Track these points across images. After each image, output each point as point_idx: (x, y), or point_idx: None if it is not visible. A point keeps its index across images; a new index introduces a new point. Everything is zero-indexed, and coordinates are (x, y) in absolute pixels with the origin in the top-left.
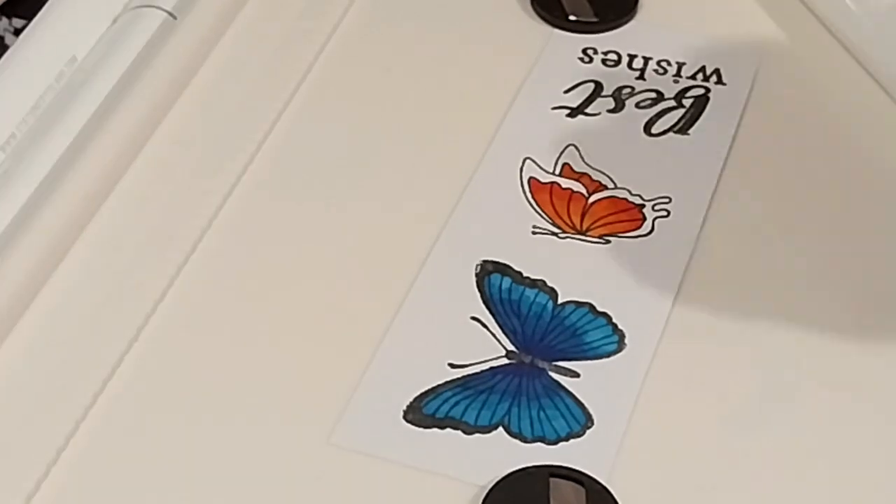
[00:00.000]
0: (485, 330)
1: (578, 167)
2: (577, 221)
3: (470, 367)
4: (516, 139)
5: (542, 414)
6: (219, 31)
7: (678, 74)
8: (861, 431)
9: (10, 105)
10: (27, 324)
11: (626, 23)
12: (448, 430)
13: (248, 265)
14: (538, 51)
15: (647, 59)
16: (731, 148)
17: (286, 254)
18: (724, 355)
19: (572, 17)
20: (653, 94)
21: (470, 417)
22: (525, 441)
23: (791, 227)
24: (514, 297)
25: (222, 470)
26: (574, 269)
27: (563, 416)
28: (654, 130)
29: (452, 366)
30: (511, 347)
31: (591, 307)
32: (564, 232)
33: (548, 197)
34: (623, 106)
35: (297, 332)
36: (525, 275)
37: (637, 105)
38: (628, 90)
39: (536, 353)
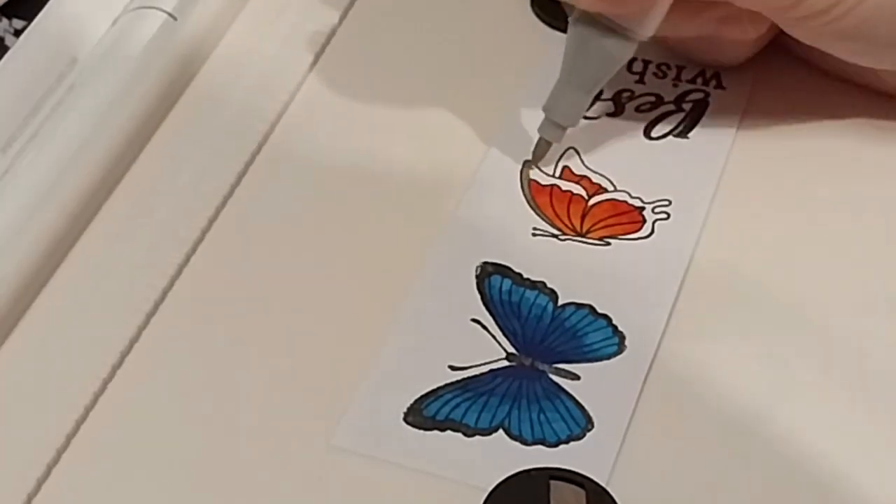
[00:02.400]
0: (485, 332)
1: (578, 170)
2: (577, 223)
3: (470, 370)
4: (516, 142)
5: (542, 416)
6: (219, 31)
7: (678, 78)
8: (863, 433)
9: (11, 106)
10: (27, 324)
11: None
12: (448, 432)
13: (248, 266)
14: (538, 54)
15: (646, 63)
16: (730, 151)
17: (286, 255)
18: (724, 357)
19: None
20: (652, 98)
21: (470, 420)
22: (525, 443)
23: (791, 230)
24: (515, 298)
25: (223, 472)
26: (574, 271)
27: (563, 418)
28: (653, 134)
29: (453, 368)
30: (511, 350)
31: (592, 309)
32: (564, 234)
33: (548, 199)
34: (623, 109)
35: (297, 334)
36: (525, 276)
37: (637, 109)
38: (628, 94)
39: (536, 355)
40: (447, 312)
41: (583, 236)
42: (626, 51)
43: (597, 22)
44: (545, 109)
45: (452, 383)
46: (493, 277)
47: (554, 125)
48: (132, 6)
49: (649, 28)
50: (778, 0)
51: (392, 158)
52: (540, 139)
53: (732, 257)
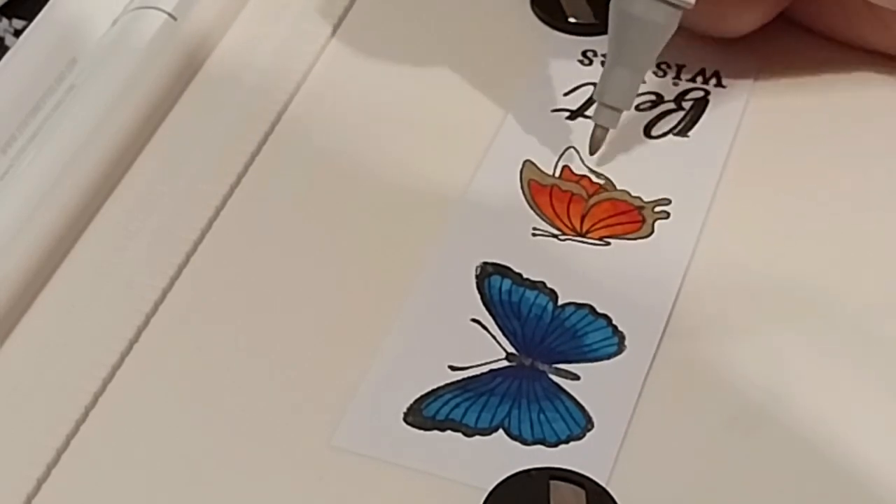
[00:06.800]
0: (485, 332)
1: (578, 169)
2: (577, 223)
3: (470, 370)
4: (516, 141)
5: (542, 416)
6: (219, 31)
7: (677, 77)
8: (863, 433)
9: (11, 106)
10: (27, 324)
11: None
12: (448, 432)
13: (248, 266)
14: (538, 53)
15: None
16: (730, 150)
17: (286, 255)
18: (724, 357)
19: (572, 20)
20: (652, 97)
21: (470, 420)
22: (525, 443)
23: (792, 229)
24: (515, 298)
25: (223, 472)
26: (574, 271)
27: (563, 418)
28: (653, 133)
29: (453, 368)
30: (511, 350)
31: (592, 309)
32: (564, 234)
33: (548, 199)
34: None
35: (298, 334)
36: (525, 276)
37: (636, 107)
38: None
39: (536, 355)
40: (447, 312)
41: (583, 236)
42: (671, 18)
43: None
44: (597, 95)
45: (452, 383)
46: (492, 277)
47: (609, 110)
48: (132, 6)
49: None
50: None
51: (391, 158)
52: (596, 127)
53: (733, 257)
